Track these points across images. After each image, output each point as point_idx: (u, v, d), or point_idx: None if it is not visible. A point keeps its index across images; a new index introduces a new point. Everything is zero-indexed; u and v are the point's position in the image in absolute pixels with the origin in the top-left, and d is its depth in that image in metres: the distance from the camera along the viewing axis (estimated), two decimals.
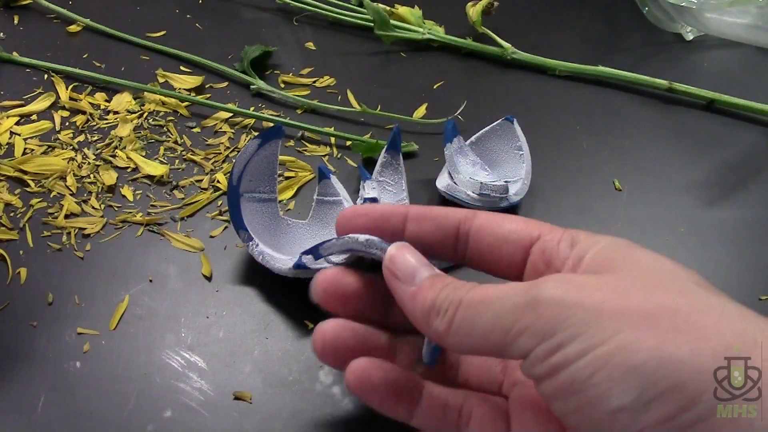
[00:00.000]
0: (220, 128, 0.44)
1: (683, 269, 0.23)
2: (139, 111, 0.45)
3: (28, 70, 0.47)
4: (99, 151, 0.42)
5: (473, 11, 0.50)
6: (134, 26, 0.51)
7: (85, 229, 0.38)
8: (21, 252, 0.37)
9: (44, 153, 0.42)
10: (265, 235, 0.36)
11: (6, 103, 0.45)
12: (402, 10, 0.51)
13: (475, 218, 0.27)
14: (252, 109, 0.45)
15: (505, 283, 0.23)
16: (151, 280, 0.36)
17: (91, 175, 0.41)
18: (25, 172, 0.41)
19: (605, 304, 0.21)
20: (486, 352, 0.23)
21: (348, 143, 0.43)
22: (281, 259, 0.35)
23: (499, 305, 0.22)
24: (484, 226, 0.27)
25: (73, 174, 0.41)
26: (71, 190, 0.40)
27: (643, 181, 0.43)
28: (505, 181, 0.39)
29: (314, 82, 0.48)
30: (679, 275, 0.22)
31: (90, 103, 0.45)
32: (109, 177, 0.41)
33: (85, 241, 0.38)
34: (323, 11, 0.52)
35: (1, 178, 0.41)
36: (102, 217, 0.39)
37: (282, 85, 0.48)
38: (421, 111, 0.46)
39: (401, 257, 0.26)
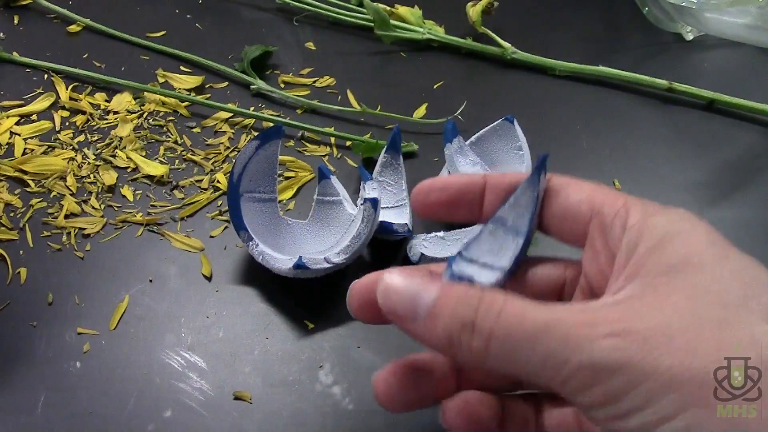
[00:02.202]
0: (220, 128, 0.44)
1: (757, 280, 0.20)
2: (139, 111, 0.45)
3: (28, 70, 0.47)
4: (99, 151, 0.42)
5: (473, 11, 0.50)
6: (134, 26, 0.51)
7: (85, 229, 0.38)
8: (21, 252, 0.37)
9: (44, 153, 0.42)
10: (265, 235, 0.36)
11: (6, 103, 0.45)
12: (402, 10, 0.51)
13: (549, 182, 0.25)
14: (252, 109, 0.45)
15: (539, 304, 0.20)
16: (151, 280, 0.36)
17: (91, 175, 0.41)
18: (25, 172, 0.41)
19: (672, 371, 0.18)
20: (528, 380, 0.20)
21: (348, 143, 0.43)
22: (281, 259, 0.35)
23: (545, 346, 0.19)
24: (555, 192, 0.24)
25: (73, 174, 0.41)
26: (71, 190, 0.40)
27: (643, 181, 0.43)
28: None
29: (314, 82, 0.48)
30: (751, 298, 0.19)
31: (90, 103, 0.45)
32: (109, 177, 0.41)
33: (85, 241, 0.38)
34: (323, 11, 0.52)
35: (1, 178, 0.41)
36: (102, 217, 0.39)
37: (282, 85, 0.48)
38: (421, 111, 0.46)
39: (390, 290, 0.22)
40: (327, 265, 0.34)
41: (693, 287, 0.19)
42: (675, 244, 0.20)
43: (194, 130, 0.44)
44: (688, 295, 0.19)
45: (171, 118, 0.45)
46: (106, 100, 0.46)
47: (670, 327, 0.19)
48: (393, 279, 0.22)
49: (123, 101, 0.45)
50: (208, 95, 0.46)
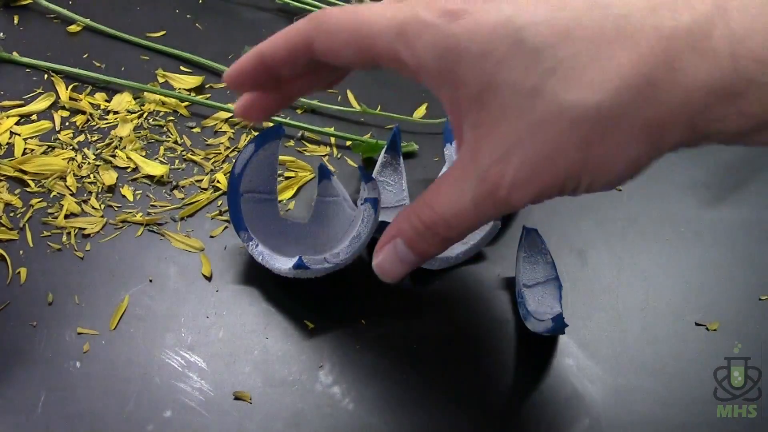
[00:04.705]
0: (220, 128, 0.44)
1: None
2: (139, 111, 0.45)
3: (28, 70, 0.47)
4: (99, 151, 0.42)
5: None
6: (134, 26, 0.51)
7: (85, 229, 0.38)
8: (21, 252, 0.37)
9: (44, 153, 0.42)
10: (265, 235, 0.36)
11: (6, 103, 0.45)
12: None
13: None
14: None
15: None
16: (151, 280, 0.36)
17: (91, 175, 0.41)
18: (25, 172, 0.41)
19: None
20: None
21: (348, 143, 0.43)
22: (281, 259, 0.35)
23: None
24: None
25: (73, 174, 0.41)
26: (71, 190, 0.40)
27: (643, 181, 0.42)
28: None
29: None
30: None
31: (90, 103, 0.45)
32: (109, 177, 0.41)
33: (85, 241, 0.38)
34: None
35: (1, 178, 0.41)
36: (102, 217, 0.39)
37: None
38: (421, 111, 0.46)
39: (381, 256, 0.28)
40: (327, 265, 0.34)
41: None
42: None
43: (194, 130, 0.44)
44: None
45: (171, 118, 0.45)
46: (106, 100, 0.46)
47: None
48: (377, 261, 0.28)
49: (123, 101, 0.45)
50: (208, 95, 0.46)
